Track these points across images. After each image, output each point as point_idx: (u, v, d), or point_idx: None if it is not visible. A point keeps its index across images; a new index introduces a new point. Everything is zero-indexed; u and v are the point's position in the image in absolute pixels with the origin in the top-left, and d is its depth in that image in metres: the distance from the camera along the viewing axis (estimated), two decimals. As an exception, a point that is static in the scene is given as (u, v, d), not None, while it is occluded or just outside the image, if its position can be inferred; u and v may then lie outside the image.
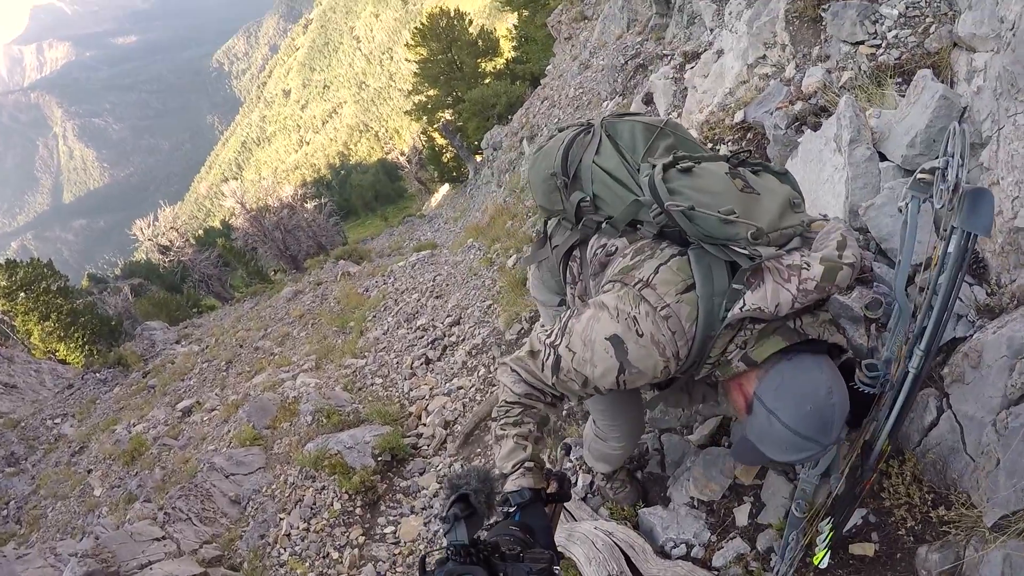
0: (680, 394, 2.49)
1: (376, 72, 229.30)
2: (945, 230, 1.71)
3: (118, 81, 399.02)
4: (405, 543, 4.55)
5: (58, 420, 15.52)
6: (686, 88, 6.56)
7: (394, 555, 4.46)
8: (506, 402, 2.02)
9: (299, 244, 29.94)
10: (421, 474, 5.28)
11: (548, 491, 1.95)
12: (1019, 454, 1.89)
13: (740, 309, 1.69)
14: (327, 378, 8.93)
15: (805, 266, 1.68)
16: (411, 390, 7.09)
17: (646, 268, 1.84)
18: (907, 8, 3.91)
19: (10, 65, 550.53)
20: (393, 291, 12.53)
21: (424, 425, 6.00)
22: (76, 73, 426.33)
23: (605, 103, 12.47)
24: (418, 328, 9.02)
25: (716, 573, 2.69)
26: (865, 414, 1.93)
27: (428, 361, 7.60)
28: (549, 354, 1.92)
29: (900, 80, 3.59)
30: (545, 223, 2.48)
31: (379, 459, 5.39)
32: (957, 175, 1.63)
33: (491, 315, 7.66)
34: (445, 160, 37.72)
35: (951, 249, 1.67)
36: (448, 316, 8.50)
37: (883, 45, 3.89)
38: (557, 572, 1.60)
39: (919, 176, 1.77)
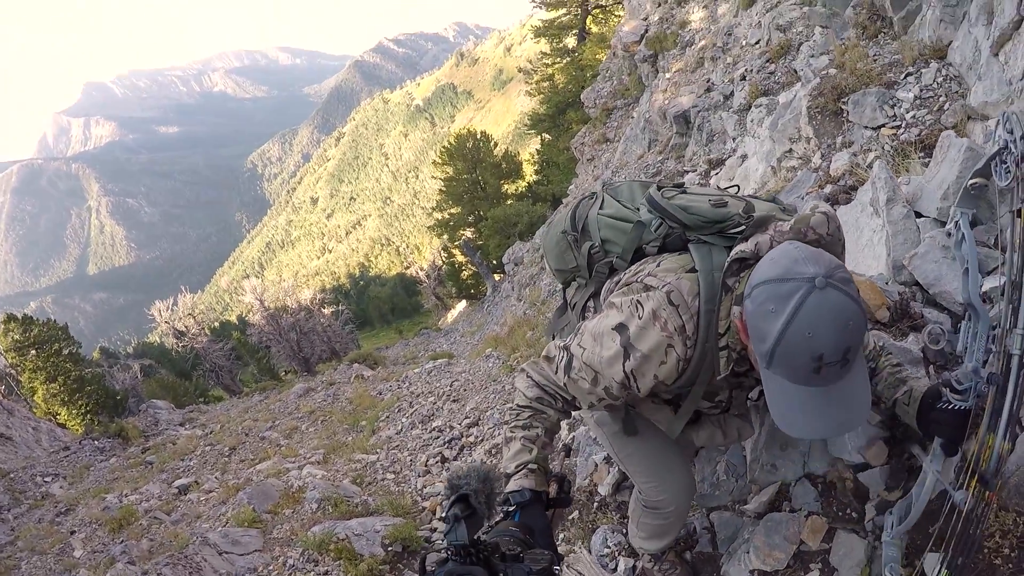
0: (713, 429, 2.40)
1: (401, 189, 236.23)
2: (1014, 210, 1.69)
3: (155, 167, 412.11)
4: (415, 640, 4.12)
5: (48, 479, 14.92)
6: None
7: (403, 652, 4.03)
8: (518, 406, 2.06)
9: (312, 347, 29.83)
10: (434, 569, 4.87)
11: (549, 495, 1.95)
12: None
13: (727, 260, 1.74)
14: (335, 471, 8.59)
15: (783, 222, 1.75)
16: (425, 487, 6.77)
17: (649, 267, 1.92)
18: (921, 91, 4.23)
19: (57, 133, 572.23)
20: (408, 394, 12.30)
21: (439, 520, 5.61)
22: (117, 152, 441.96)
23: None
24: (433, 429, 8.78)
25: None
26: (960, 437, 1.79)
27: (444, 460, 7.31)
28: (563, 356, 1.95)
29: (922, 154, 3.81)
30: (564, 292, 2.54)
31: (389, 549, 5.02)
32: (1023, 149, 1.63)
33: (512, 418, 7.38)
34: (464, 277, 38.13)
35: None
36: (466, 418, 8.27)
37: (903, 125, 4.16)
38: (557, 572, 1.59)
39: (970, 184, 1.85)
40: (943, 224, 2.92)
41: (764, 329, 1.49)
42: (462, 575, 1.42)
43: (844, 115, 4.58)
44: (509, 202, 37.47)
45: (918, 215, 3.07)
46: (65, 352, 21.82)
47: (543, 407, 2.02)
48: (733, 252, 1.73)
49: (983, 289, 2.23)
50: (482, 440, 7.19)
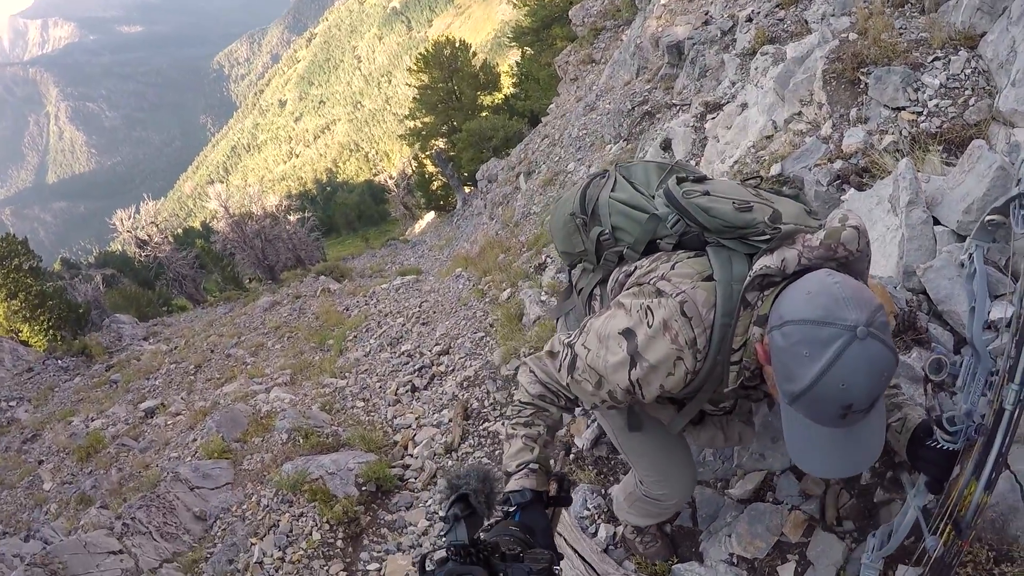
0: (715, 431, 2.32)
1: (373, 93, 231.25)
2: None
3: (117, 69, 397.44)
4: (392, 584, 4.14)
5: (13, 403, 14.94)
6: (706, 138, 6.55)
7: (380, 596, 4.06)
8: (520, 402, 2.04)
9: (278, 255, 29.45)
10: (408, 508, 4.89)
11: (549, 494, 1.95)
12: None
13: (750, 275, 1.64)
14: (303, 395, 8.54)
15: (811, 235, 1.67)
16: (395, 417, 6.72)
17: (663, 268, 1.83)
18: (948, 79, 3.99)
19: (13, 37, 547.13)
20: (376, 313, 12.18)
21: (411, 456, 5.63)
22: (77, 55, 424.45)
23: (609, 147, 12.38)
24: (403, 353, 8.69)
25: None
26: (946, 476, 1.75)
27: (414, 389, 7.24)
28: (566, 354, 1.90)
29: (941, 148, 3.63)
30: (570, 274, 2.47)
31: (363, 489, 5.01)
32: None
33: (483, 348, 7.38)
34: (434, 188, 37.71)
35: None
36: (436, 344, 8.16)
37: (924, 113, 3.94)
38: (557, 572, 1.58)
39: (987, 220, 1.83)
40: (962, 238, 2.80)
41: (795, 371, 1.43)
42: (462, 575, 1.41)
43: (861, 87, 4.38)
44: (485, 114, 36.77)
45: (935, 221, 2.96)
46: (26, 267, 21.23)
47: (545, 404, 2.00)
48: (757, 266, 1.64)
49: (990, 317, 2.17)
50: (453, 370, 7.14)
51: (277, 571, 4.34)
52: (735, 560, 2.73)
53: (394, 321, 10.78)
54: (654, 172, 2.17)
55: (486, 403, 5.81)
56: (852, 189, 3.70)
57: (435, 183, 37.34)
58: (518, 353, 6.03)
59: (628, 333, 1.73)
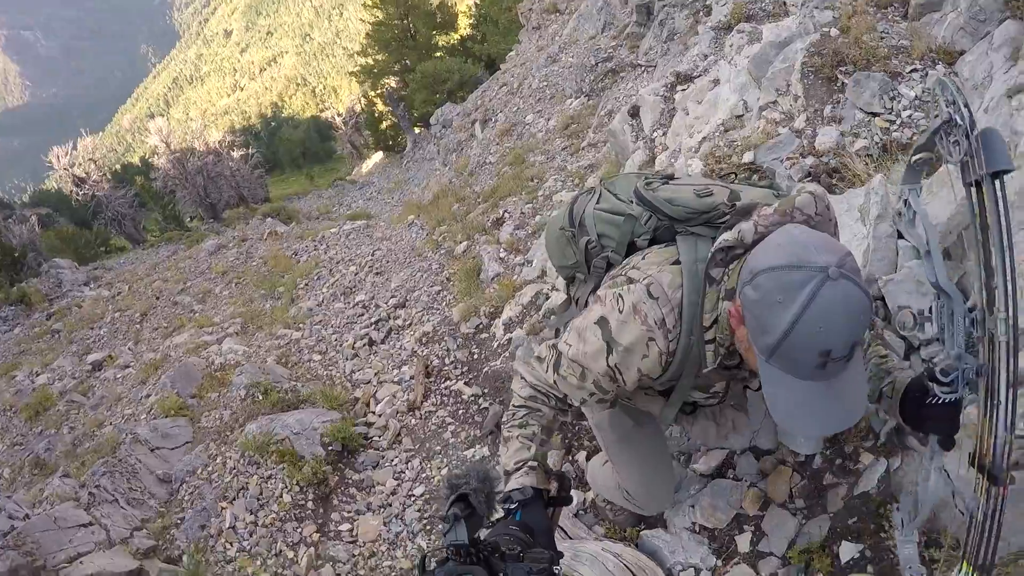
0: (707, 422, 2.48)
1: (323, 26, 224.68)
2: (969, 183, 1.65)
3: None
4: (364, 543, 4.33)
5: (-51, 358, 14.43)
6: (675, 109, 6.61)
7: (354, 555, 4.22)
8: (514, 406, 2.10)
9: (220, 193, 28.97)
10: (375, 467, 5.03)
11: (549, 493, 1.97)
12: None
13: (711, 251, 1.70)
14: (257, 347, 8.52)
15: (768, 206, 1.71)
16: (354, 372, 6.82)
17: (635, 259, 1.95)
18: (923, 92, 4.18)
19: None
20: (327, 260, 12.12)
21: (374, 414, 5.74)
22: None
23: (569, 101, 12.38)
24: (357, 304, 8.74)
25: None
26: (955, 430, 1.74)
27: (372, 343, 7.32)
28: (551, 355, 2.01)
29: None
30: (567, 287, 2.58)
31: (329, 448, 5.11)
32: (970, 118, 1.58)
33: (441, 302, 7.48)
34: (383, 127, 37.05)
35: (986, 200, 1.58)
36: (392, 296, 8.23)
37: (897, 122, 4.11)
38: (557, 572, 1.59)
39: (914, 160, 1.82)
40: (920, 256, 2.97)
41: (769, 321, 1.43)
42: (462, 575, 1.45)
43: (838, 85, 4.52)
44: (439, 55, 36.15)
45: (899, 235, 3.11)
46: (-42, 211, 20.51)
47: (538, 405, 2.05)
48: (717, 242, 1.69)
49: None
50: (410, 324, 7.22)
51: (251, 535, 4.46)
52: (697, 529, 3.00)
53: (346, 269, 10.76)
54: (635, 182, 2.24)
55: (447, 361, 5.93)
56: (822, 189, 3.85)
57: (385, 122, 36.68)
58: (479, 312, 6.19)
59: (602, 321, 1.82)
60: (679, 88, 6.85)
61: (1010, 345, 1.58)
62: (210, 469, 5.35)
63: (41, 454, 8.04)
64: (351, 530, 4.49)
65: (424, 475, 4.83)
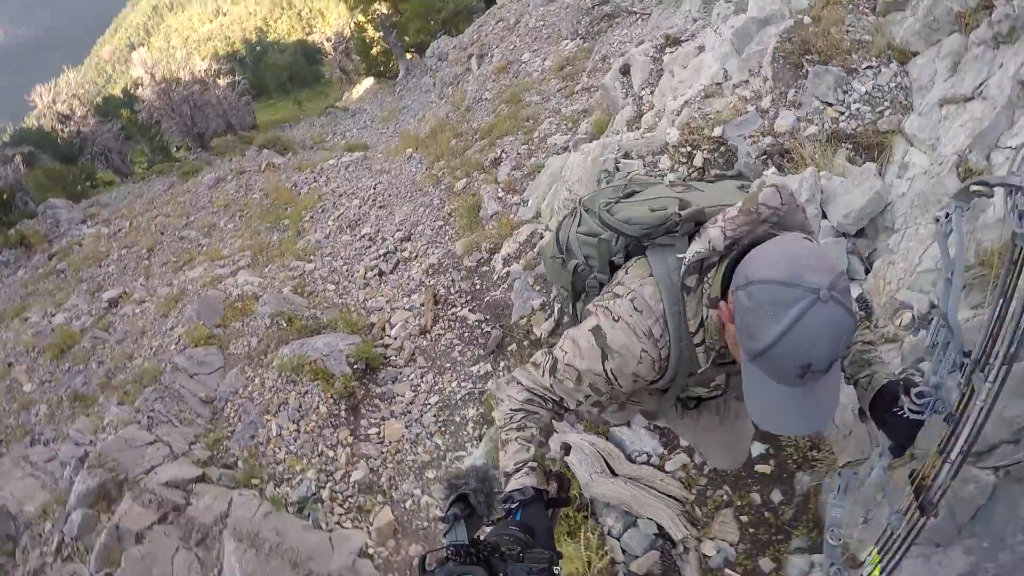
0: (711, 415, 2.61)
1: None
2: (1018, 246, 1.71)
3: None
4: (390, 443, 5.48)
5: (-44, 307, 15.09)
6: (662, 70, 7.31)
7: (382, 452, 5.39)
8: (510, 410, 2.14)
9: (207, 122, 29.19)
10: (394, 382, 6.14)
11: (549, 495, 2.01)
12: (862, 433, 2.84)
13: (684, 264, 1.82)
14: (271, 278, 9.42)
15: (730, 207, 1.82)
16: (367, 300, 7.85)
17: (619, 275, 2.06)
18: (873, 88, 4.96)
19: None
20: (329, 192, 12.92)
21: (390, 337, 6.81)
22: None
23: (565, 42, 12.97)
24: (364, 237, 9.65)
25: (668, 474, 3.92)
26: (909, 443, 1.92)
27: (381, 273, 8.34)
28: (548, 360, 2.09)
29: (850, 147, 4.69)
30: (573, 306, 2.62)
31: (355, 367, 6.19)
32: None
33: (443, 236, 8.45)
34: (374, 53, 36.68)
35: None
36: (398, 230, 9.19)
37: (846, 114, 4.94)
38: (557, 572, 1.65)
39: (972, 187, 1.80)
40: (841, 235, 4.08)
41: (758, 329, 1.54)
42: (462, 575, 1.53)
43: (803, 72, 5.26)
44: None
45: (824, 215, 4.12)
46: (-65, 155, 20.86)
47: (534, 408, 2.12)
48: (689, 254, 1.81)
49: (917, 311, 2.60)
50: (416, 256, 8.22)
51: (296, 440, 5.58)
52: (652, 428, 4.14)
53: (349, 202, 11.61)
54: (609, 197, 2.39)
55: (452, 290, 6.98)
56: (773, 168, 4.77)
57: (376, 48, 36.20)
58: (480, 247, 7.18)
59: (596, 329, 1.93)
60: (667, 50, 7.59)
61: (983, 413, 1.72)
62: (250, 389, 6.43)
63: (79, 388, 8.99)
64: (378, 433, 5.63)
65: (437, 387, 5.92)
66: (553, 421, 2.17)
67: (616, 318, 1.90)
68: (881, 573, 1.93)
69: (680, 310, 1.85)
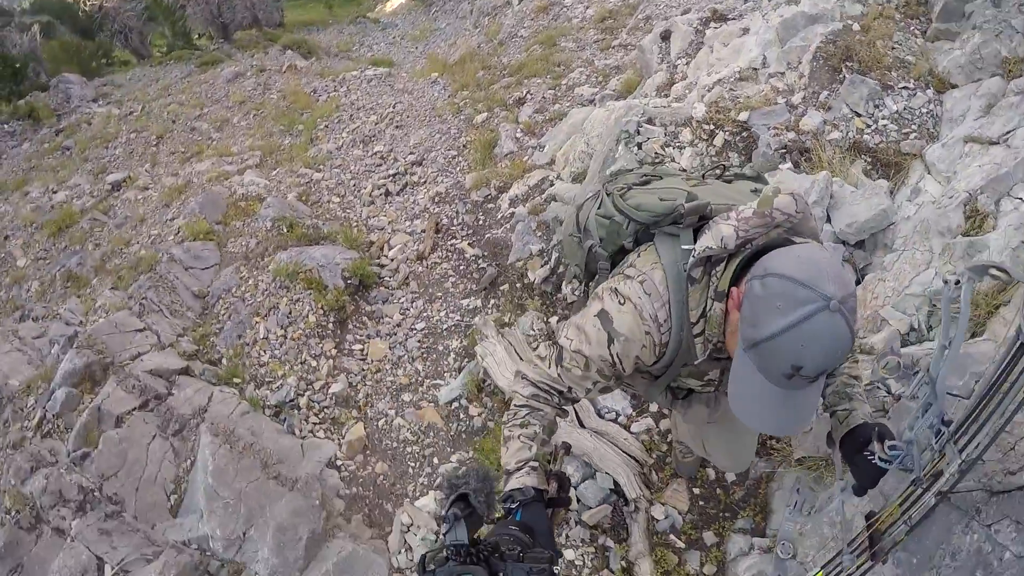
0: (700, 407, 2.67)
1: None
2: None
3: None
4: (373, 361, 5.69)
5: (-44, 171, 15.06)
6: (703, 43, 7.36)
7: (363, 369, 5.60)
8: (515, 406, 2.22)
9: (233, 13, 28.67)
10: (385, 303, 6.33)
11: (549, 494, 2.07)
12: (821, 430, 2.99)
13: (693, 256, 1.89)
14: (277, 182, 9.53)
15: (745, 206, 1.88)
16: (370, 218, 8.00)
17: (630, 258, 2.16)
18: (904, 109, 5.09)
19: None
20: (347, 104, 12.93)
21: (387, 258, 6.99)
22: None
23: None
24: (375, 154, 9.76)
25: (633, 435, 4.17)
26: (872, 486, 2.02)
27: (388, 193, 8.48)
28: (553, 351, 2.18)
29: (869, 160, 4.84)
30: (586, 287, 2.71)
31: (348, 282, 6.37)
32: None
33: (455, 167, 8.56)
34: None
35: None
36: (411, 153, 9.29)
37: (873, 127, 5.06)
38: (557, 572, 1.68)
39: (992, 271, 1.81)
40: (841, 242, 4.29)
41: (763, 319, 1.61)
42: (462, 575, 1.57)
43: (840, 76, 5.35)
44: None
45: (828, 220, 4.31)
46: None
47: (539, 404, 2.18)
48: (698, 247, 1.88)
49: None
50: (425, 182, 8.34)
51: (281, 346, 5.77)
52: (625, 389, 4.30)
53: (367, 117, 11.65)
54: (631, 181, 2.48)
55: (455, 221, 7.14)
56: (789, 164, 4.92)
57: None
58: (489, 184, 7.30)
59: (602, 314, 2.02)
60: (712, 24, 7.59)
61: (949, 485, 1.82)
62: (243, 289, 6.60)
63: (73, 268, 9.08)
64: (362, 350, 5.84)
65: (425, 314, 6.11)
66: (557, 418, 2.25)
67: (623, 300, 1.99)
68: None
69: (683, 299, 1.94)
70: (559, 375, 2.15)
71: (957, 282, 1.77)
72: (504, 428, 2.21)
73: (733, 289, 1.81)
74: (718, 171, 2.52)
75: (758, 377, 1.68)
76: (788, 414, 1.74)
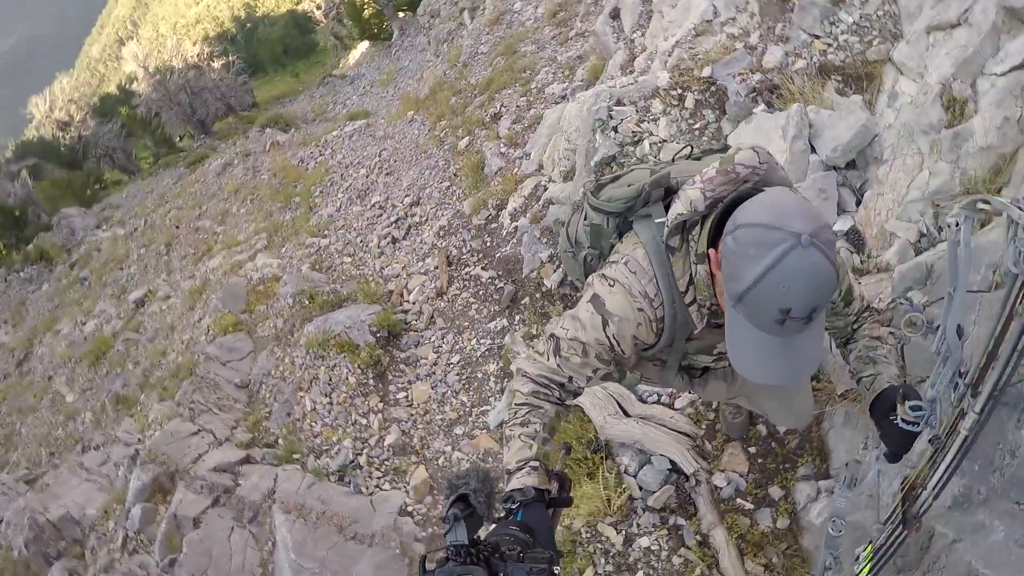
0: (718, 382, 2.65)
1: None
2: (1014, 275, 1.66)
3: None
4: (419, 404, 5.86)
5: (-12, 329, 15.41)
6: (652, 11, 7.40)
7: (412, 415, 5.77)
8: (515, 404, 2.18)
9: (207, 107, 29.35)
10: (417, 346, 6.50)
11: (550, 494, 2.04)
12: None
13: (667, 225, 1.91)
14: (288, 258, 9.80)
15: (708, 168, 1.88)
16: (383, 268, 8.20)
17: (615, 247, 2.16)
18: (861, 18, 5.05)
19: None
20: (335, 164, 13.23)
21: (408, 303, 7.16)
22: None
23: None
24: (374, 206, 9.97)
25: (678, 411, 4.16)
26: (905, 451, 1.97)
27: (395, 240, 8.69)
28: (551, 343, 2.15)
29: (840, 79, 4.78)
30: None
31: (378, 336, 6.54)
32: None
33: (451, 197, 8.74)
34: (366, 16, 36.51)
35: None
36: (406, 196, 9.50)
37: (834, 45, 5.04)
38: (557, 572, 1.67)
39: (979, 205, 1.75)
40: (831, 168, 4.27)
41: (740, 271, 1.60)
42: (462, 575, 1.56)
43: (790, 5, 5.38)
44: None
45: (812, 150, 4.32)
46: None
47: (540, 401, 2.16)
48: (670, 217, 1.90)
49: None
50: (427, 220, 8.53)
51: (329, 412, 5.96)
52: None
53: (356, 172, 11.94)
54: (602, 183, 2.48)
55: (464, 250, 7.29)
56: (763, 105, 4.92)
57: (367, 11, 36.00)
58: (487, 205, 7.46)
59: (595, 298, 2.03)
60: None
61: (967, 442, 1.74)
62: (281, 369, 6.82)
63: (119, 391, 9.41)
64: (407, 396, 6.01)
65: (458, 346, 6.27)
66: (558, 415, 2.21)
67: (612, 283, 2.00)
68: (870, 573, 1.98)
69: (668, 271, 1.95)
70: (558, 365, 2.12)
71: (956, 224, 1.73)
72: (505, 427, 2.19)
73: (711, 251, 1.80)
74: (686, 153, 2.53)
75: (752, 331, 1.66)
76: (792, 361, 1.71)
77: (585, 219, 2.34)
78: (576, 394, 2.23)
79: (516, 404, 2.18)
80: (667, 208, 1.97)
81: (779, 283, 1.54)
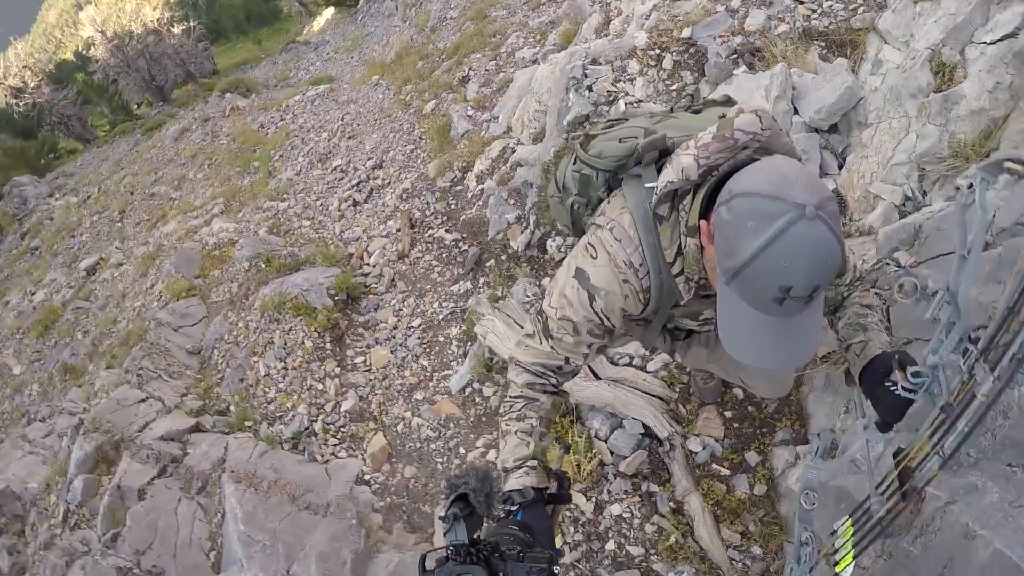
0: (699, 348, 2.63)
1: None
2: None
3: None
4: (377, 369, 5.62)
5: (-63, 303, 15.24)
6: None
7: (370, 380, 5.53)
8: (511, 397, 2.15)
9: (166, 73, 28.69)
10: (376, 309, 6.26)
11: (549, 491, 2.03)
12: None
13: (656, 193, 1.80)
14: (246, 222, 9.58)
15: (704, 132, 1.75)
16: (344, 231, 7.97)
17: (603, 206, 2.07)
18: None
19: None
20: (296, 129, 12.98)
21: (369, 265, 6.94)
22: None
23: None
24: (335, 169, 9.77)
25: (650, 374, 4.05)
26: (898, 420, 1.86)
27: (356, 203, 8.45)
28: (540, 323, 2.10)
29: (823, 44, 4.73)
30: None
31: (336, 298, 6.32)
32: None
33: (415, 159, 8.51)
34: None
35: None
36: (369, 159, 9.27)
37: (819, 11, 4.99)
38: (557, 572, 1.66)
39: (1007, 163, 1.60)
40: (813, 130, 4.21)
41: (737, 244, 1.48)
42: (462, 575, 1.56)
43: None
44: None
45: (796, 111, 4.24)
46: None
47: (535, 393, 2.12)
48: (659, 184, 1.78)
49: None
50: (389, 183, 8.28)
51: (284, 378, 5.71)
52: None
53: (318, 136, 11.68)
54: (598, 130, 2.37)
55: (427, 212, 7.07)
56: (744, 67, 4.83)
57: None
58: (452, 167, 7.23)
59: (579, 272, 1.96)
60: None
61: (983, 408, 1.58)
62: (234, 334, 6.56)
63: (67, 360, 9.12)
64: (365, 361, 5.77)
65: (419, 310, 6.05)
66: (554, 405, 2.18)
67: (595, 254, 1.93)
68: (853, 547, 1.87)
69: (655, 240, 1.86)
70: (552, 348, 2.08)
71: (971, 186, 1.58)
72: (501, 421, 2.17)
73: (703, 223, 1.69)
74: (686, 102, 2.40)
75: (747, 310, 1.56)
76: (790, 343, 1.61)
77: (575, 164, 2.24)
78: (574, 374, 2.18)
79: (511, 396, 2.15)
80: (660, 170, 1.85)
81: (780, 259, 1.43)
